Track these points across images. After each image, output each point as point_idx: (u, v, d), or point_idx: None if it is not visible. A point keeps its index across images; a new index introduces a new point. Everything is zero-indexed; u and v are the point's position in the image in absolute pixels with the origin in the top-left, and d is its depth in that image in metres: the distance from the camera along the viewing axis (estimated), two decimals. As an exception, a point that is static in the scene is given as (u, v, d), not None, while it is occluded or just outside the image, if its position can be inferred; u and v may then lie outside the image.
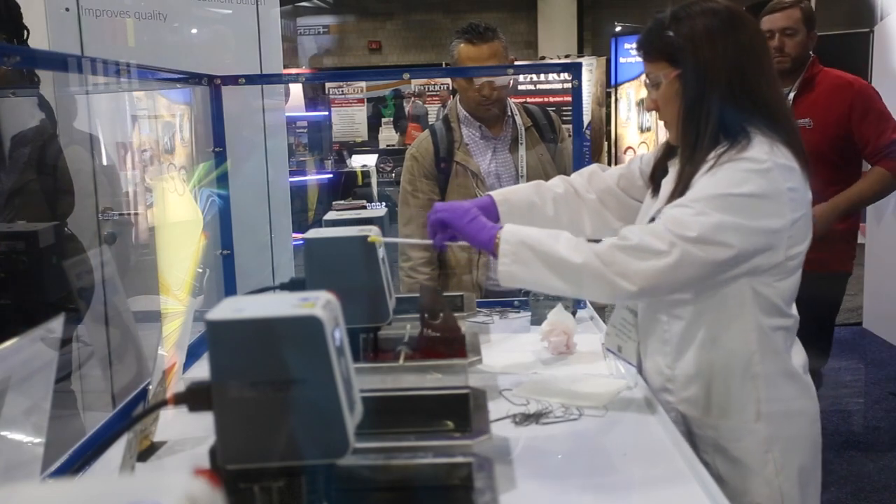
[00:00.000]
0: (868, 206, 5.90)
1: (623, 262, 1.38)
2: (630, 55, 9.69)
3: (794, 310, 1.54)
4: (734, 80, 1.45)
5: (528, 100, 7.31)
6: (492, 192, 1.79)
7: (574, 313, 2.12)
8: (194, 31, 2.94)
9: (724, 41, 1.45)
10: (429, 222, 1.65)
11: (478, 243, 1.54)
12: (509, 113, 2.55)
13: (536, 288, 1.56)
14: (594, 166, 1.85)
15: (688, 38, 1.46)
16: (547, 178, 2.51)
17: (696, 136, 1.47)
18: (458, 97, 2.58)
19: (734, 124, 1.45)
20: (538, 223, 1.74)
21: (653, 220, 1.55)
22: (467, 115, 2.53)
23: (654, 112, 1.58)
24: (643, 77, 1.60)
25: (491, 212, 1.74)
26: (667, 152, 1.63)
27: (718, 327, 1.49)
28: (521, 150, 2.49)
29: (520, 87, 8.58)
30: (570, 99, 2.31)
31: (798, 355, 1.56)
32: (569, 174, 2.55)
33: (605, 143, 9.44)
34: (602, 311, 2.26)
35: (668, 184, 1.56)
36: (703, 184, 1.43)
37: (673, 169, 1.57)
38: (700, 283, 1.45)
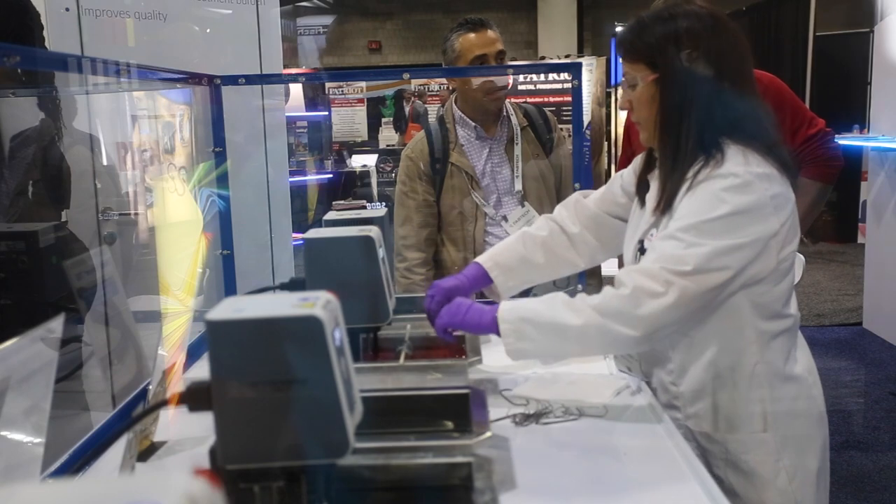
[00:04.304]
0: (868, 207, 5.91)
1: (622, 310, 1.36)
2: (630, 55, 9.68)
3: (793, 307, 1.53)
4: (714, 87, 1.42)
5: (528, 100, 7.30)
6: (479, 259, 1.78)
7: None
8: (194, 30, 2.94)
9: (706, 47, 1.42)
10: (427, 308, 1.66)
11: (483, 330, 1.52)
12: (505, 113, 2.54)
13: (546, 358, 1.55)
14: (577, 195, 1.83)
15: (669, 42, 1.43)
16: (542, 179, 2.52)
17: (677, 145, 1.45)
18: (453, 97, 2.57)
19: (712, 134, 1.42)
20: (533, 275, 1.78)
21: (642, 247, 1.53)
22: (462, 115, 2.52)
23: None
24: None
25: (483, 281, 1.75)
26: (646, 166, 1.62)
27: (720, 341, 1.47)
28: (517, 151, 2.48)
29: (520, 87, 8.57)
30: (570, 99, 2.31)
31: (802, 355, 1.56)
32: (565, 175, 2.56)
33: (605, 143, 9.44)
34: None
35: (651, 197, 1.54)
36: (686, 208, 1.41)
37: (654, 183, 1.55)
38: (701, 313, 1.43)
